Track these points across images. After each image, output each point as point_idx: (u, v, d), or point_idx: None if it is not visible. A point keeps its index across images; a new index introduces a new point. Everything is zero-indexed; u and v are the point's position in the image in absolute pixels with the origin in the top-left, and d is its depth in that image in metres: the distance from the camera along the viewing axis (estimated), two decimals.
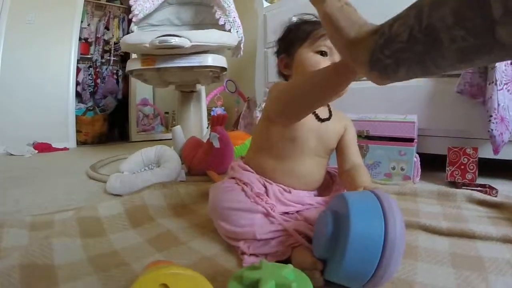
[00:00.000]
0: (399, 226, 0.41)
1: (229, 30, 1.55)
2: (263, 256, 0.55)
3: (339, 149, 0.73)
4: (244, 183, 0.64)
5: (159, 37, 1.24)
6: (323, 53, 0.64)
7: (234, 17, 1.58)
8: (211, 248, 0.61)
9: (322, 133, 0.68)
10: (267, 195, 0.64)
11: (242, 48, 1.70)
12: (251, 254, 0.55)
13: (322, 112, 0.69)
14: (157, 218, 0.77)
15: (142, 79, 1.63)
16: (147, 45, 1.25)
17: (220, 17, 1.57)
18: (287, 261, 0.51)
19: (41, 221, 0.73)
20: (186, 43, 1.23)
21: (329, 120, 0.69)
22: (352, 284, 0.45)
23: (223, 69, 1.55)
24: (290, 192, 0.66)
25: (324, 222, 0.47)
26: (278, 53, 0.73)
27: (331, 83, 0.50)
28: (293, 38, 0.69)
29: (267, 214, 0.59)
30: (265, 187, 0.66)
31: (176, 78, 1.61)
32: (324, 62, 0.63)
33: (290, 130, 0.65)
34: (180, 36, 1.24)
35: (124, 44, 1.41)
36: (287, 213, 0.63)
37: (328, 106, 0.73)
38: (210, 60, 1.41)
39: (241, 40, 1.62)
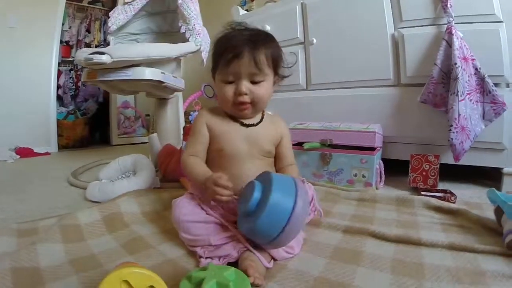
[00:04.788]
0: (303, 206, 0.55)
1: (188, 38, 1.56)
2: (217, 258, 0.63)
3: (277, 154, 0.81)
4: (199, 198, 0.73)
5: (89, 54, 1.24)
6: (229, 82, 0.71)
7: (194, 25, 1.58)
8: (175, 251, 0.70)
9: (252, 137, 0.75)
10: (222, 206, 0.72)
11: (205, 56, 1.66)
12: (207, 257, 0.63)
13: (250, 118, 0.77)
14: (131, 224, 0.85)
15: (101, 87, 1.66)
16: (82, 62, 1.27)
17: (181, 25, 1.59)
18: (236, 263, 0.60)
19: (26, 228, 0.80)
20: (107, 59, 1.23)
21: (257, 125, 0.77)
22: (259, 239, 0.58)
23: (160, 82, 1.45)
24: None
25: (252, 188, 0.59)
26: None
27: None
28: (212, 64, 0.75)
29: (219, 224, 0.67)
30: None
31: (128, 87, 1.58)
32: (230, 90, 0.71)
33: (214, 143, 0.75)
34: (104, 53, 1.24)
35: (75, 60, 1.44)
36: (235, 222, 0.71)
37: (263, 111, 0.80)
38: (147, 73, 1.36)
39: (200, 48, 1.60)
